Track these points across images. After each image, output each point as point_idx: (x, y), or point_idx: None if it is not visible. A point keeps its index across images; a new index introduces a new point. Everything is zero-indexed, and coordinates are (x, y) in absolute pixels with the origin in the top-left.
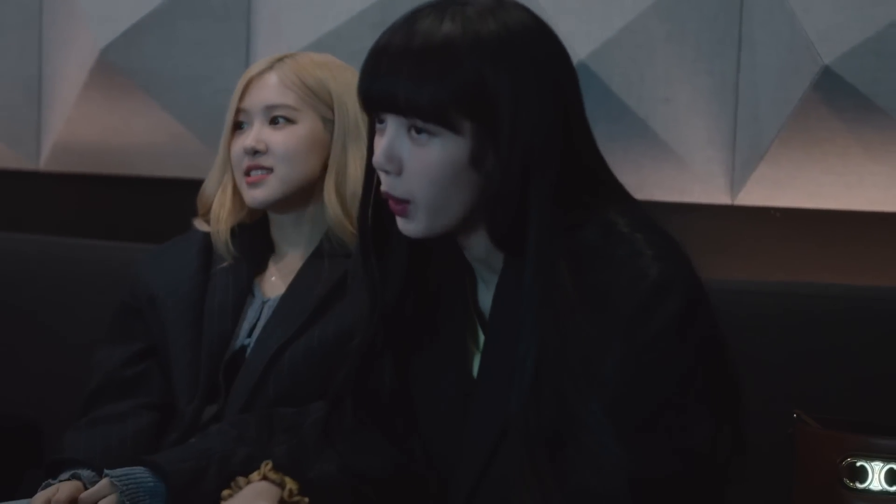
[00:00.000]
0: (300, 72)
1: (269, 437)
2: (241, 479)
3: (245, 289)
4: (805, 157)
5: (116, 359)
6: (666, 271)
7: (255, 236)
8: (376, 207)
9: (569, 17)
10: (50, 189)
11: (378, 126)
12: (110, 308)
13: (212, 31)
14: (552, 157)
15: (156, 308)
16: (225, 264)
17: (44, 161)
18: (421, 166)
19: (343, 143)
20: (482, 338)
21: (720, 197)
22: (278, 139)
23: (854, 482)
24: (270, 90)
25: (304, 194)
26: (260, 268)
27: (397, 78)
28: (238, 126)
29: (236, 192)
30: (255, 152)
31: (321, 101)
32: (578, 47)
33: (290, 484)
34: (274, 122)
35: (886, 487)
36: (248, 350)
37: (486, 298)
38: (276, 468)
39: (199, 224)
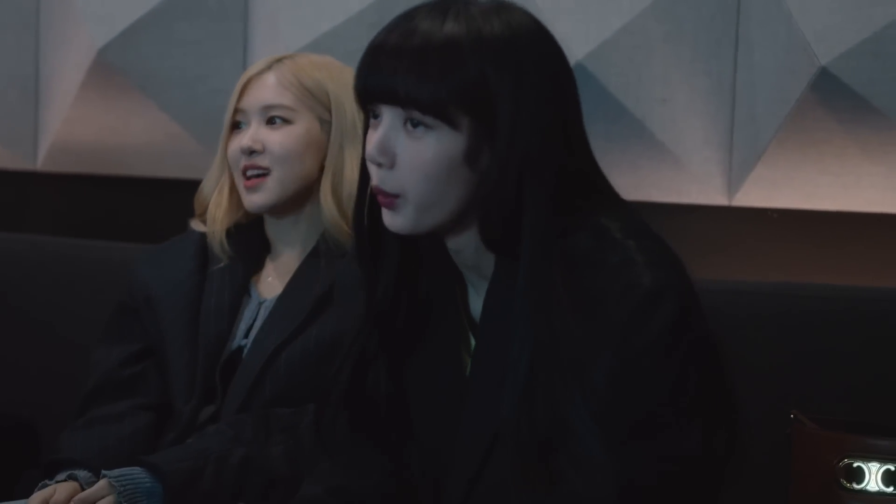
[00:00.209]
0: (298, 72)
1: (265, 437)
2: None
3: (241, 289)
4: (802, 157)
5: (114, 359)
6: (658, 279)
7: (251, 236)
8: (372, 207)
9: (566, 18)
10: (47, 189)
11: (372, 121)
12: (107, 308)
13: (209, 32)
14: (550, 160)
15: (153, 308)
16: (221, 265)
17: (41, 161)
18: (415, 160)
19: (340, 144)
20: (473, 343)
21: (717, 198)
22: (275, 139)
23: (851, 483)
24: (268, 90)
25: (300, 195)
26: (256, 268)
27: (397, 72)
28: (236, 126)
29: (233, 193)
30: (251, 152)
31: (318, 103)
32: (576, 48)
33: None
34: (271, 122)
35: (883, 488)
36: (245, 351)
37: (476, 304)
38: None
39: (196, 225)
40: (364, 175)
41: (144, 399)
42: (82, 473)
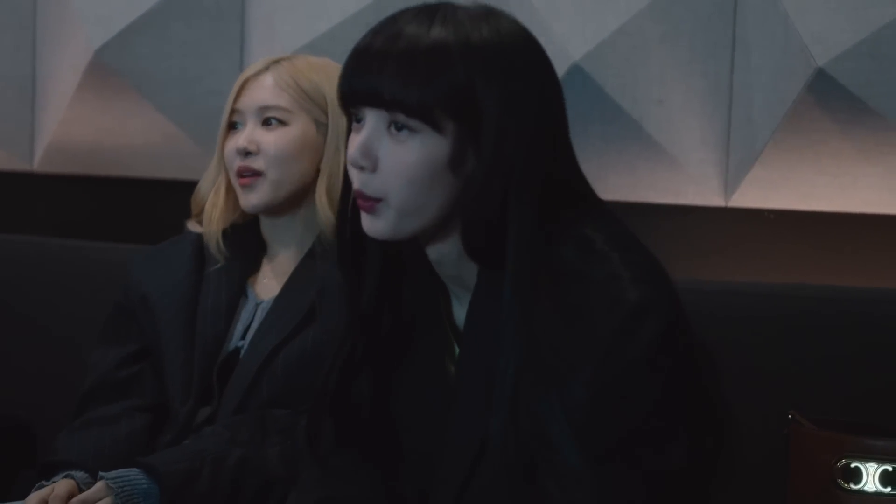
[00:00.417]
0: (295, 74)
1: (262, 438)
2: None
3: (238, 290)
4: (799, 158)
5: (110, 360)
6: (643, 295)
7: (247, 237)
8: (354, 213)
9: (563, 19)
10: (43, 190)
11: (355, 125)
12: (104, 309)
13: (206, 32)
14: (535, 169)
15: (149, 309)
16: (218, 266)
17: (37, 162)
18: (398, 164)
19: (336, 147)
20: (457, 352)
21: (714, 198)
22: (270, 140)
23: (848, 483)
24: (265, 91)
25: (296, 197)
26: (253, 269)
27: (383, 74)
28: (232, 126)
29: (229, 193)
30: (246, 153)
31: (315, 104)
32: (572, 49)
33: None
34: (267, 123)
35: (881, 489)
36: (242, 352)
37: (460, 314)
38: None
39: (193, 226)
40: (347, 180)
41: (141, 400)
42: (79, 474)
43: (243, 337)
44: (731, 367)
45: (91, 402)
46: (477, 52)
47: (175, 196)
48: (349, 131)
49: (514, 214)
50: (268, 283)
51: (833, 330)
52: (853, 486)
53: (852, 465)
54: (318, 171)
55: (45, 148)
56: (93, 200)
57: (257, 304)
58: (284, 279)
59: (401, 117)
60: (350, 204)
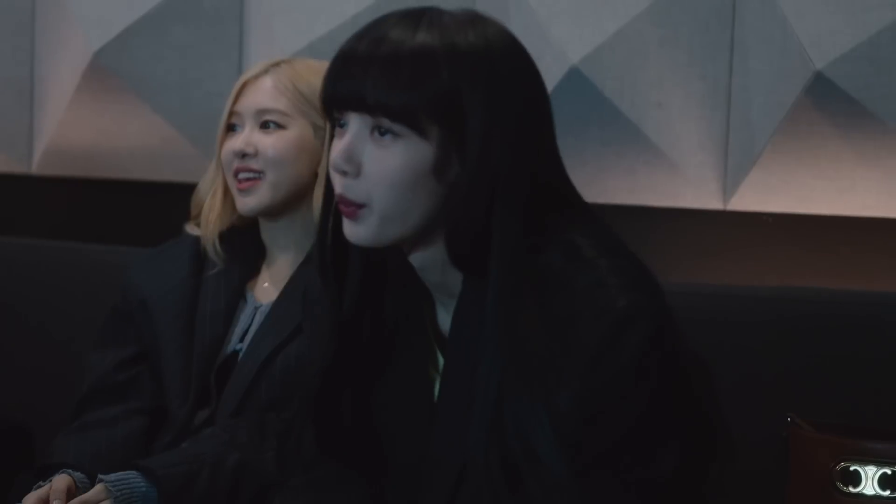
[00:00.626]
0: (295, 77)
1: (260, 441)
2: None
3: (237, 294)
4: (797, 162)
5: (108, 363)
6: (631, 303)
7: (246, 240)
8: (336, 219)
9: (561, 22)
10: (42, 192)
11: (338, 129)
12: (102, 312)
13: (204, 35)
14: (521, 175)
15: (147, 312)
16: (217, 269)
17: (36, 164)
18: (381, 169)
19: None
20: (441, 361)
21: (712, 202)
22: (267, 143)
23: (847, 486)
24: (263, 94)
25: (294, 200)
26: (252, 272)
27: (367, 78)
28: (231, 128)
29: (226, 196)
30: (243, 155)
31: (313, 108)
32: (571, 52)
33: None
34: (265, 126)
35: (880, 492)
36: (241, 355)
37: (445, 321)
38: None
39: (191, 228)
40: (329, 185)
41: (138, 403)
42: (77, 474)
43: (242, 340)
44: (730, 370)
45: (89, 405)
46: (462, 57)
47: (173, 198)
48: (332, 136)
49: (499, 221)
50: (267, 288)
51: (832, 333)
52: (852, 489)
53: (851, 468)
54: (315, 174)
55: (44, 150)
56: (91, 203)
57: (256, 308)
58: (283, 283)
59: (385, 122)
60: (332, 210)
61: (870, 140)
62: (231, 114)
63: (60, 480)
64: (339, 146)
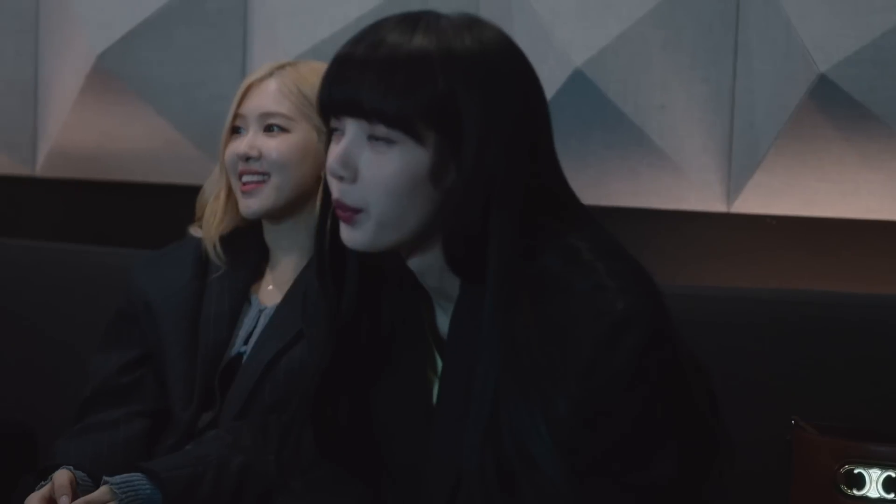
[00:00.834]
0: (299, 80)
1: (264, 444)
2: None
3: (241, 297)
4: (801, 164)
5: (111, 366)
6: (628, 306)
7: (250, 243)
8: (334, 223)
9: (565, 25)
10: (45, 194)
11: (335, 134)
12: (105, 314)
13: (208, 38)
14: (517, 180)
15: (152, 315)
16: (221, 272)
17: (39, 167)
18: (378, 175)
19: None
20: (440, 364)
21: (716, 204)
22: (271, 146)
23: (851, 489)
24: (268, 97)
25: (297, 203)
26: (256, 275)
27: (363, 83)
28: (235, 131)
29: (229, 200)
30: (247, 158)
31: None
32: (575, 55)
33: None
34: (269, 129)
35: (884, 495)
36: (245, 357)
37: (444, 324)
38: None
39: (195, 230)
40: (326, 190)
41: (141, 406)
42: (79, 473)
43: (246, 343)
44: (734, 372)
45: (92, 408)
46: (459, 61)
47: (176, 201)
48: (329, 141)
49: (496, 226)
50: (271, 291)
51: (836, 336)
52: (856, 492)
53: (855, 471)
54: (319, 177)
55: (47, 152)
56: (94, 205)
57: (260, 311)
58: (287, 286)
59: (381, 127)
60: (329, 214)
61: (874, 143)
62: (235, 116)
63: (61, 476)
64: (335, 151)
